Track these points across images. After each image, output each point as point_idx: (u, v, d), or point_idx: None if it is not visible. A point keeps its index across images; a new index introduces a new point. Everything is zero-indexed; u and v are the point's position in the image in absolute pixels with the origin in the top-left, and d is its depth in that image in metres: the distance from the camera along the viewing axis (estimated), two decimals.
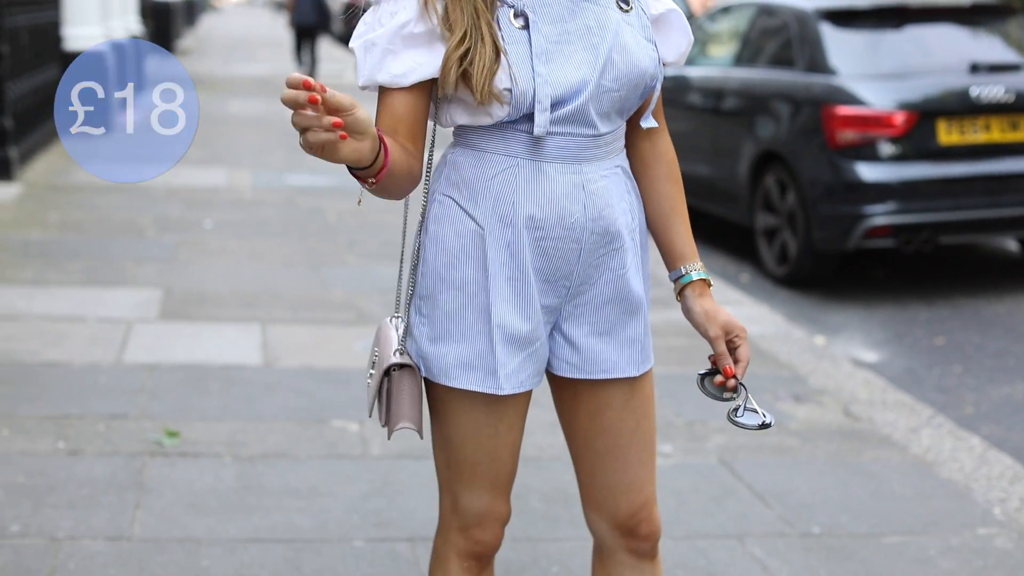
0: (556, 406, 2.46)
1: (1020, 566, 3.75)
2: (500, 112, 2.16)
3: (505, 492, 2.41)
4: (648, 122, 2.35)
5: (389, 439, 2.44)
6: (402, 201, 2.32)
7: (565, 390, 2.41)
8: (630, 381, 2.36)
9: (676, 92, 9.23)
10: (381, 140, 2.01)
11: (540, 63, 2.15)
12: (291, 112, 1.87)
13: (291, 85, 1.83)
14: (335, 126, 1.86)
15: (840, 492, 4.26)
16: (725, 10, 9.67)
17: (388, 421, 2.32)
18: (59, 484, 4.06)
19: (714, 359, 2.38)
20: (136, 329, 5.81)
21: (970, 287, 7.83)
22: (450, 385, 2.27)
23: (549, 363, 2.35)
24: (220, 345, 5.64)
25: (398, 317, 2.34)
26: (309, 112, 1.85)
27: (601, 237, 2.26)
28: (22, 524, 3.76)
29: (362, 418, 4.72)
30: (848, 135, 7.48)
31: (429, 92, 2.22)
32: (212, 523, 3.83)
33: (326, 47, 25.58)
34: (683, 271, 2.40)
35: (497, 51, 2.13)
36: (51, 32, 11.87)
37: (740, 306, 6.75)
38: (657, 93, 2.32)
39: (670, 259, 2.42)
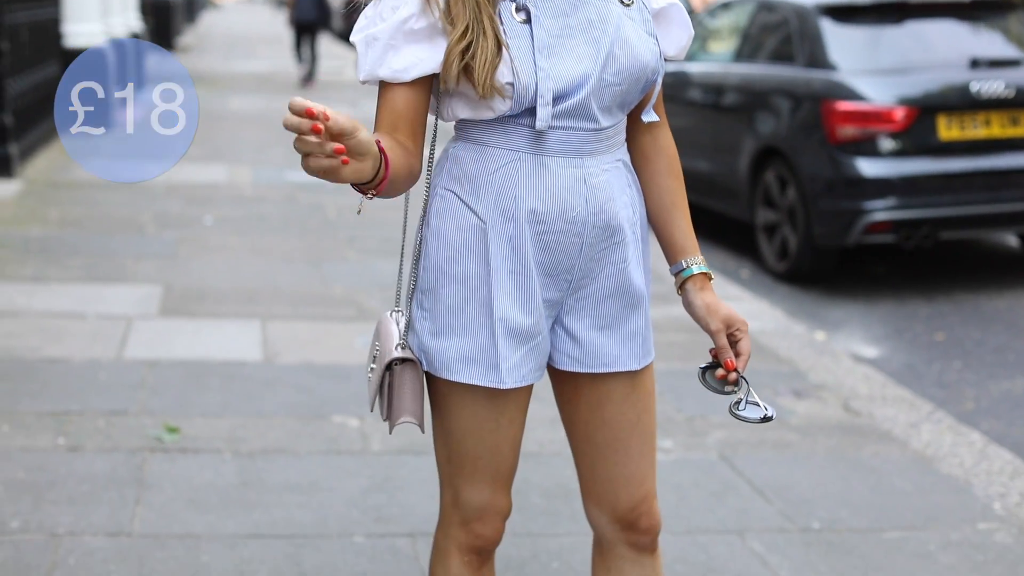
0: (557, 399, 2.46)
1: (1020, 561, 3.76)
2: (502, 106, 2.17)
3: (506, 486, 2.41)
4: (649, 116, 2.35)
5: (391, 433, 2.45)
6: (402, 196, 2.32)
7: (566, 384, 2.41)
8: (631, 375, 2.37)
9: (676, 88, 9.23)
10: (381, 151, 2.00)
11: (542, 57, 2.15)
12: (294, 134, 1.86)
13: (294, 112, 1.82)
14: (337, 152, 1.85)
15: (840, 487, 4.26)
16: (725, 6, 9.66)
17: (390, 415, 2.32)
18: (59, 480, 4.06)
19: (715, 353, 2.39)
20: (136, 325, 5.81)
21: (970, 283, 7.83)
22: (452, 379, 2.27)
23: (550, 357, 2.36)
24: (220, 341, 5.64)
25: (398, 311, 2.34)
26: (312, 139, 1.84)
27: (603, 231, 2.26)
28: (22, 520, 3.76)
29: (362, 414, 4.72)
30: (848, 130, 7.48)
31: (430, 87, 2.23)
32: (212, 519, 3.83)
33: (326, 44, 25.56)
34: (684, 265, 2.40)
35: (499, 45, 2.13)
36: (51, 29, 11.87)
37: (740, 302, 6.75)
38: (658, 87, 2.33)
39: (671, 253, 2.43)
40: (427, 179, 2.29)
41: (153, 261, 7.12)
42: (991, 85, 7.51)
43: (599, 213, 2.25)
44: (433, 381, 2.33)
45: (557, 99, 2.17)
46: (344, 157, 1.86)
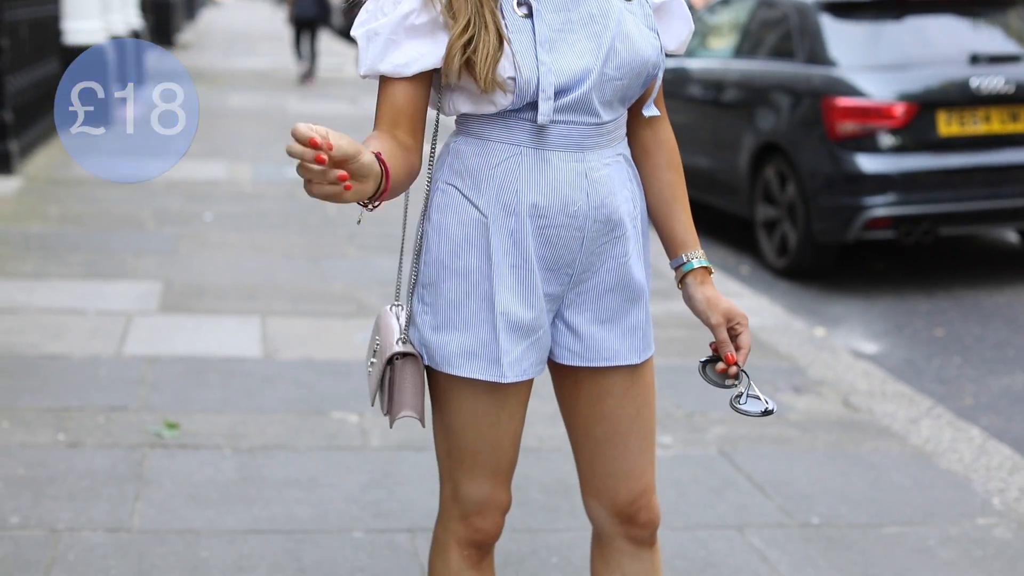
0: (556, 393, 2.46)
1: (1019, 556, 3.76)
2: (503, 100, 2.17)
3: (506, 480, 2.41)
4: (650, 110, 2.36)
5: (391, 427, 2.45)
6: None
7: (566, 377, 2.41)
8: (631, 369, 2.37)
9: (676, 84, 9.23)
10: (382, 163, 1.99)
11: (544, 52, 2.15)
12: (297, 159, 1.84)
13: (298, 140, 1.80)
14: (340, 179, 1.83)
15: (839, 483, 4.26)
16: (725, 2, 9.66)
17: (390, 410, 2.32)
18: (59, 476, 4.06)
19: (715, 346, 2.39)
20: (136, 322, 5.81)
21: (970, 278, 7.83)
22: (453, 373, 2.27)
23: (550, 351, 2.36)
24: (220, 337, 5.64)
25: (398, 305, 2.35)
26: (315, 167, 1.83)
27: (604, 225, 2.27)
28: (22, 516, 3.76)
29: (362, 409, 4.72)
30: (848, 126, 7.48)
31: (430, 81, 2.23)
32: (212, 515, 3.83)
33: (326, 40, 25.56)
34: (684, 259, 2.41)
35: (501, 39, 2.13)
36: (51, 26, 11.87)
37: (740, 298, 6.75)
38: (659, 81, 2.33)
39: (671, 247, 2.43)
40: (428, 174, 2.30)
41: (153, 257, 7.12)
42: (991, 81, 7.51)
43: (600, 207, 2.25)
44: (434, 375, 2.33)
45: (559, 93, 2.17)
46: (347, 183, 1.85)
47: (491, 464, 2.37)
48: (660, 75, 2.31)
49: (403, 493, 4.04)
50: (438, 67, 2.18)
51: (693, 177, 8.00)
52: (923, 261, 8.32)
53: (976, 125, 7.52)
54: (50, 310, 5.93)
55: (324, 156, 1.80)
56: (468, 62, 2.13)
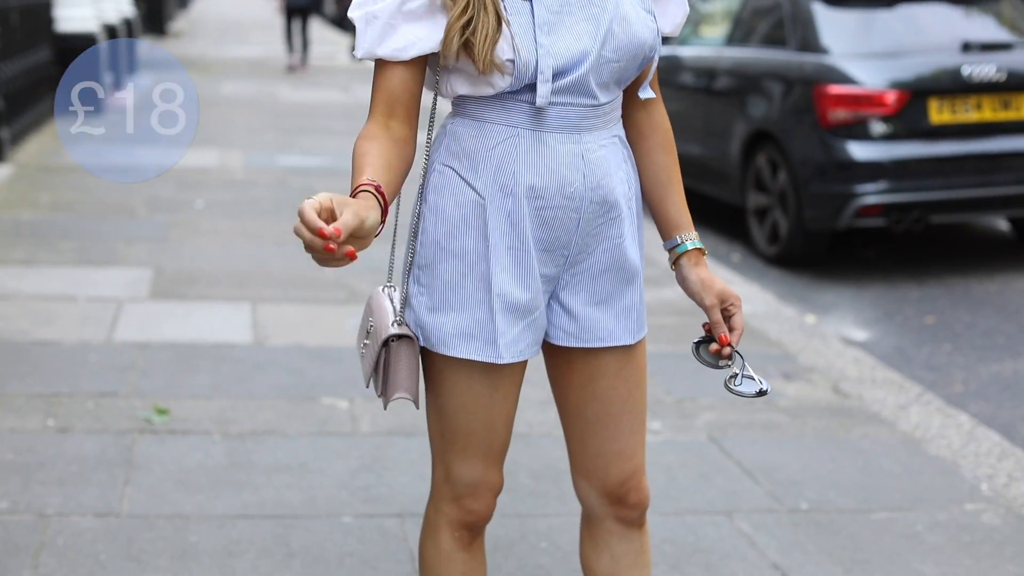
0: (549, 374, 2.47)
1: (1007, 541, 3.77)
2: (502, 82, 2.17)
3: (498, 462, 2.42)
4: (646, 92, 2.37)
5: (385, 409, 2.45)
6: None
7: (559, 358, 2.41)
8: (624, 349, 2.38)
9: (668, 72, 9.22)
10: (380, 197, 2.00)
11: (542, 34, 2.16)
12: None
13: (307, 226, 1.80)
14: (348, 255, 1.84)
15: (828, 468, 4.27)
16: None
17: (384, 392, 2.32)
18: (48, 461, 4.06)
19: (708, 327, 2.40)
20: (126, 308, 5.80)
21: (960, 266, 7.84)
22: (449, 354, 2.28)
23: (545, 332, 2.36)
24: (211, 323, 5.64)
25: (390, 286, 2.35)
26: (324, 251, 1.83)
27: (600, 206, 2.27)
28: (11, 501, 3.76)
29: (352, 395, 4.73)
30: (840, 114, 7.48)
31: (426, 65, 2.24)
32: (201, 500, 3.84)
33: (318, 29, 25.52)
34: (678, 240, 2.42)
35: (499, 21, 2.14)
36: (42, 13, 11.83)
37: (731, 285, 6.67)
38: (655, 64, 2.33)
39: (665, 228, 2.44)
40: (425, 156, 2.30)
41: (144, 244, 7.11)
42: (983, 69, 7.51)
43: (596, 188, 2.26)
44: (428, 356, 2.33)
45: (556, 75, 2.18)
46: (353, 255, 1.86)
47: (484, 445, 2.37)
48: (656, 58, 2.32)
49: (392, 478, 4.04)
50: (436, 51, 2.18)
51: (685, 165, 7.98)
52: (914, 249, 8.33)
53: (968, 113, 7.52)
54: (41, 296, 5.93)
55: (333, 246, 1.81)
56: (467, 43, 2.14)
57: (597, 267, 2.32)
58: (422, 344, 2.31)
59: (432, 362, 2.33)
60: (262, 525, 3.69)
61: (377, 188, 2.01)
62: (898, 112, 7.41)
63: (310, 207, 1.80)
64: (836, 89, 7.49)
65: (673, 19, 2.36)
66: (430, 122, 2.31)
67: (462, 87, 2.23)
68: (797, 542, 3.71)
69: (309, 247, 1.82)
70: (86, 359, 5.04)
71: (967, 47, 7.71)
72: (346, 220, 1.83)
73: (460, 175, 2.25)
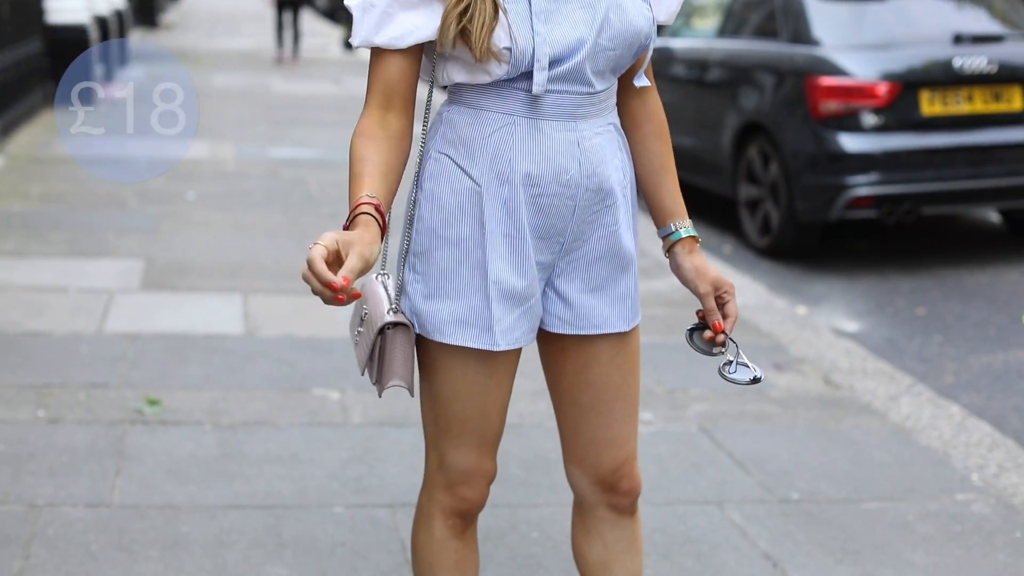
0: (543, 361, 2.47)
1: (997, 531, 3.78)
2: (498, 70, 2.17)
3: (492, 450, 2.42)
4: (641, 81, 2.37)
5: (380, 397, 2.44)
6: None
7: (553, 345, 2.42)
8: (618, 336, 2.38)
9: (660, 64, 9.21)
10: (380, 216, 2.07)
11: (539, 22, 2.16)
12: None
13: (318, 277, 1.92)
14: (354, 297, 1.97)
15: (819, 459, 4.28)
16: None
17: (379, 379, 2.31)
18: (39, 452, 4.05)
19: (702, 315, 2.40)
20: (117, 299, 5.80)
21: (952, 258, 7.86)
22: (445, 342, 2.28)
23: (541, 320, 2.36)
24: (202, 315, 5.63)
25: (384, 274, 2.35)
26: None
27: (595, 194, 2.28)
28: (1, 491, 3.76)
29: (343, 386, 4.73)
30: (831, 106, 7.48)
31: (422, 53, 2.24)
32: (192, 490, 3.83)
33: (309, 21, 25.48)
34: (672, 228, 2.43)
35: (496, 9, 2.14)
36: (33, 5, 11.80)
37: None
38: (650, 52, 2.34)
39: (659, 216, 2.45)
40: (421, 143, 2.30)
41: (135, 236, 7.10)
42: (974, 61, 7.52)
43: (592, 176, 2.26)
44: (423, 344, 2.33)
45: (553, 63, 2.18)
46: (359, 293, 1.99)
47: (478, 433, 2.37)
48: (651, 46, 2.32)
49: (384, 469, 4.04)
50: (433, 39, 2.18)
51: (677, 156, 7.92)
52: (905, 240, 8.34)
53: (959, 105, 7.53)
54: (32, 288, 5.92)
55: (344, 296, 1.93)
56: (463, 31, 2.14)
57: (592, 255, 2.32)
58: (417, 331, 2.31)
59: (427, 349, 2.33)
60: (253, 515, 3.68)
61: (377, 208, 2.05)
62: (889, 104, 7.41)
63: (319, 257, 1.91)
64: (828, 81, 7.50)
65: (668, 7, 2.36)
66: (426, 112, 2.31)
67: (458, 75, 2.23)
68: (788, 532, 3.72)
69: (318, 294, 1.93)
70: (77, 350, 5.04)
71: (958, 39, 7.71)
72: (352, 266, 1.94)
73: (456, 163, 2.25)
